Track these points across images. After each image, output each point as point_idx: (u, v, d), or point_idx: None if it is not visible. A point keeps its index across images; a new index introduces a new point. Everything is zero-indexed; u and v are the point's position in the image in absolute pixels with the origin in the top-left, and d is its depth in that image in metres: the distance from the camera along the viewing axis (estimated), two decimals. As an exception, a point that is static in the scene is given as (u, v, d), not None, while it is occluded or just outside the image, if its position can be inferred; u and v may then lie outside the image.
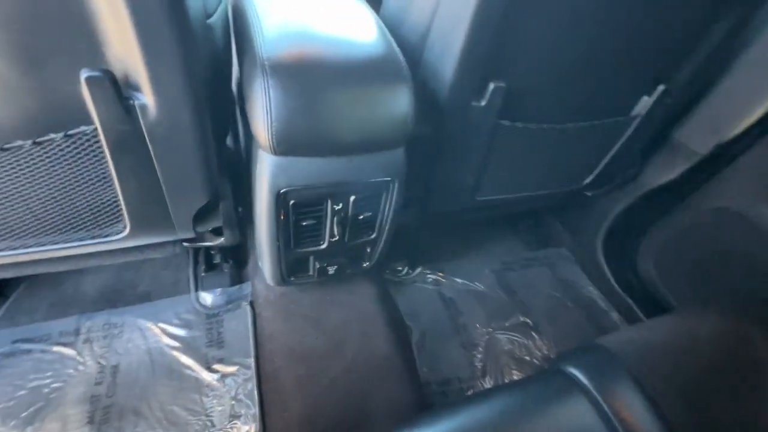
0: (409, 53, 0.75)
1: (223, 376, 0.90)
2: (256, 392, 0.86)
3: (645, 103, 0.88)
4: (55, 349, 0.90)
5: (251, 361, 0.91)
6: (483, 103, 0.73)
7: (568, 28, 0.67)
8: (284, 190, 0.63)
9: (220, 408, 0.86)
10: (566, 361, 0.59)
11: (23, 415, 0.80)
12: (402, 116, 0.62)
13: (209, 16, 0.60)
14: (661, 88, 0.84)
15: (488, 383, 1.01)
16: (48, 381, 0.85)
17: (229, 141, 0.81)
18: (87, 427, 0.80)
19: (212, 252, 1.09)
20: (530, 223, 1.43)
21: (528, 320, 1.16)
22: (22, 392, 0.83)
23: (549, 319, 1.18)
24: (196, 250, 1.10)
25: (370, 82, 0.60)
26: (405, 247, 1.23)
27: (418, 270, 1.22)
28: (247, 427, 0.83)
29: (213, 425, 0.83)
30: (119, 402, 0.84)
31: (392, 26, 0.81)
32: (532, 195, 1.04)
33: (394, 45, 0.66)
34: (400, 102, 0.62)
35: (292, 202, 0.66)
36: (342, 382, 0.84)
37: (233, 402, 0.86)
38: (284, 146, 0.57)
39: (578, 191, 1.15)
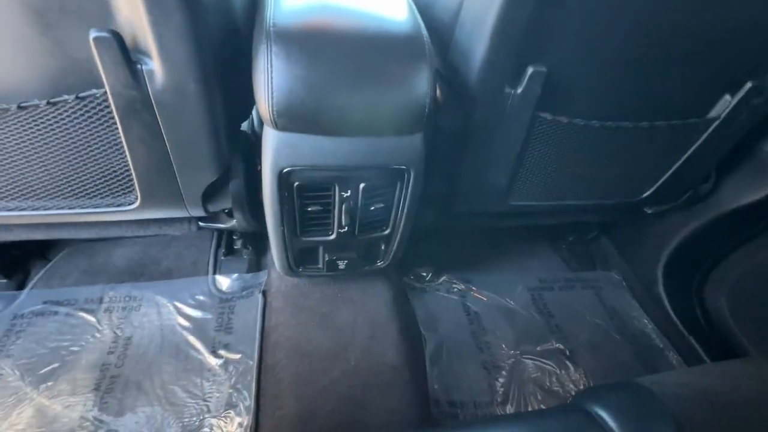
0: (438, 34, 0.69)
1: (227, 362, 0.88)
2: (254, 384, 0.83)
3: (726, 103, 0.74)
4: (79, 314, 0.94)
5: (255, 352, 0.88)
6: (519, 90, 0.64)
7: (627, 6, 0.57)
8: (287, 169, 0.59)
9: (218, 395, 0.84)
10: (592, 397, 0.48)
11: (40, 372, 0.84)
12: (419, 99, 0.56)
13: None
14: (748, 85, 0.70)
15: (508, 412, 0.90)
16: (67, 344, 0.89)
17: (246, 126, 0.80)
18: (92, 393, 0.82)
19: (234, 237, 1.09)
20: (574, 239, 1.28)
21: (563, 347, 1.03)
22: (43, 351, 0.87)
23: (589, 349, 1.03)
24: (220, 234, 1.11)
25: (384, 56, 0.54)
26: (430, 251, 1.15)
27: (443, 278, 1.13)
28: (240, 419, 0.80)
29: (209, 411, 0.81)
30: (125, 374, 0.85)
31: (422, 7, 0.76)
32: (577, 205, 0.91)
33: (420, 22, 0.60)
34: (418, 82, 0.56)
35: (296, 183, 0.62)
36: (341, 386, 0.78)
37: (231, 390, 0.84)
38: (285, 119, 0.53)
39: (635, 206, 1.00)
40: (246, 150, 0.73)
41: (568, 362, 1.00)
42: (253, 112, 0.87)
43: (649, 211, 1.04)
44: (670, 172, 0.87)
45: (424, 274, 1.14)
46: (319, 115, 0.53)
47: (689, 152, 0.83)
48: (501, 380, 0.94)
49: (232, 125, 0.67)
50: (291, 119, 0.53)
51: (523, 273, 1.20)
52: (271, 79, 0.50)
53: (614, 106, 0.71)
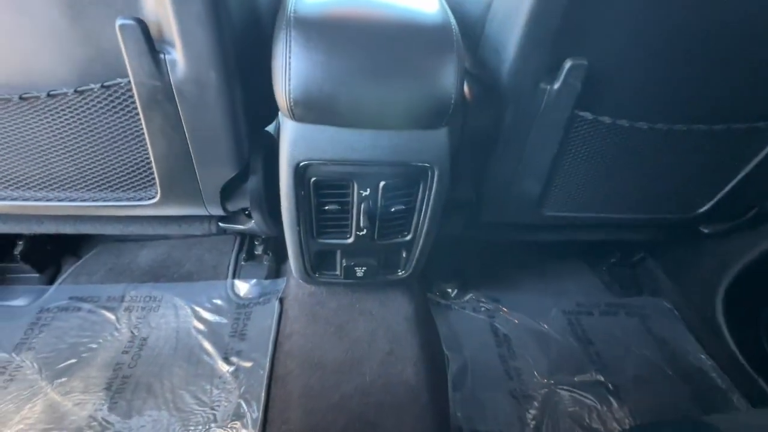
0: (469, 30, 0.66)
1: (238, 369, 0.85)
2: (263, 395, 0.79)
3: (799, 105, 0.65)
4: (101, 311, 0.95)
5: (266, 361, 0.84)
6: (556, 85, 0.59)
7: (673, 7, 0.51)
8: (304, 162, 0.56)
9: (226, 404, 0.80)
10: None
11: (57, 367, 0.84)
12: (445, 91, 0.52)
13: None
14: (828, 82, 0.61)
15: (540, 449, 0.80)
16: (86, 340, 0.89)
17: (272, 128, 0.79)
18: (103, 392, 0.80)
19: (255, 242, 1.08)
20: (617, 260, 1.16)
21: (605, 380, 0.91)
22: (63, 346, 0.87)
23: (636, 384, 0.91)
24: (242, 239, 1.10)
25: (409, 45, 0.51)
26: (456, 266, 1.09)
27: (470, 295, 1.06)
28: (245, 431, 0.75)
29: (215, 420, 0.77)
30: (137, 375, 0.83)
31: (455, 5, 0.73)
32: (620, 219, 0.83)
33: (449, 13, 0.57)
34: (444, 73, 0.52)
35: (313, 179, 0.59)
36: (354, 403, 0.72)
37: (240, 400, 0.80)
38: (302, 108, 0.51)
39: (688, 224, 0.89)
40: (268, 149, 0.72)
41: (611, 397, 0.88)
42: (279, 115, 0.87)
43: (706, 231, 0.92)
44: (731, 184, 0.77)
45: (450, 290, 1.07)
46: (337, 105, 0.51)
47: (754, 162, 0.73)
48: (532, 412, 0.85)
49: (253, 123, 0.66)
50: (308, 108, 0.51)
51: (558, 295, 1.10)
52: (288, 65, 0.48)
53: (665, 106, 0.64)
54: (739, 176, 0.76)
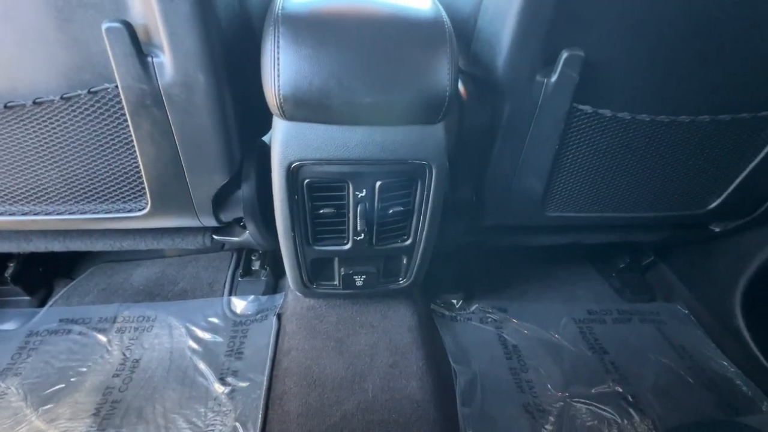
0: (461, 25, 0.65)
1: (234, 390, 0.80)
2: (260, 417, 0.74)
3: (804, 93, 0.63)
4: (92, 333, 0.91)
5: (264, 380, 0.80)
6: (553, 78, 0.57)
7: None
8: (296, 163, 0.54)
9: (221, 427, 0.75)
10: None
11: (44, 393, 0.80)
12: (439, 83, 0.51)
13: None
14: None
15: (559, 468, 0.74)
16: (75, 364, 0.85)
17: (267, 137, 0.77)
18: (91, 419, 0.76)
19: (252, 258, 1.05)
20: (627, 265, 1.12)
21: (623, 391, 0.86)
22: (51, 371, 0.83)
23: (657, 394, 0.86)
24: (238, 255, 1.07)
25: (400, 39, 0.50)
26: (460, 275, 1.05)
27: (476, 305, 1.02)
28: (241, 457, 0.70)
29: (209, 446, 0.72)
30: (128, 399, 0.79)
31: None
32: (627, 218, 0.80)
33: (440, 8, 0.56)
34: (437, 65, 0.51)
35: (306, 181, 0.57)
36: (356, 422, 0.67)
37: (236, 423, 0.75)
38: (292, 105, 0.49)
39: (699, 222, 0.86)
40: (261, 156, 0.70)
41: (631, 410, 0.83)
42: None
43: (717, 229, 0.89)
44: (741, 178, 0.75)
45: (454, 300, 1.02)
46: (328, 101, 0.49)
47: (762, 154, 0.71)
48: (548, 427, 0.79)
49: (246, 131, 0.65)
50: (298, 105, 0.49)
51: (567, 302, 1.05)
52: (277, 61, 0.47)
53: (668, 97, 0.62)
54: (748, 169, 0.73)
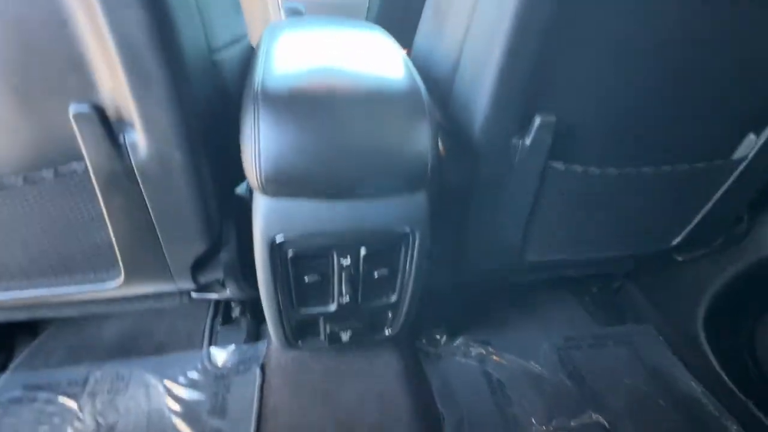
0: (438, 86, 0.67)
1: (218, 454, 0.78)
2: (248, 482, 0.72)
3: (751, 143, 0.69)
4: (60, 399, 0.85)
5: (250, 441, 0.78)
6: (528, 141, 0.59)
7: (637, 46, 0.53)
8: (280, 239, 0.54)
9: (206, 496, 0.72)
10: None
11: (8, 474, 0.74)
12: (420, 154, 0.52)
13: (215, 51, 0.57)
14: (774, 124, 0.65)
15: (547, 507, 0.76)
16: (42, 436, 0.79)
17: (242, 189, 0.76)
18: (64, 499, 0.71)
19: (232, 305, 1.02)
20: (599, 289, 1.18)
21: (603, 420, 0.89)
22: (16, 446, 0.78)
23: (633, 420, 0.90)
24: (217, 303, 1.04)
25: (380, 112, 0.51)
26: (443, 311, 1.06)
27: (459, 340, 1.03)
28: None
29: None
30: (103, 472, 0.75)
31: (422, 62, 0.74)
32: (600, 255, 0.84)
33: (416, 77, 0.57)
34: (417, 136, 0.52)
35: (290, 253, 0.56)
36: (347, 483, 0.67)
37: (222, 490, 0.72)
38: (274, 183, 0.48)
39: (664, 254, 0.91)
40: (240, 214, 0.69)
41: (610, 438, 0.86)
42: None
43: (680, 259, 0.95)
44: (699, 216, 0.80)
45: (438, 336, 1.04)
46: (311, 179, 0.49)
47: (718, 195, 0.77)
48: (535, 464, 0.81)
49: (223, 191, 0.63)
50: (280, 183, 0.49)
51: (546, 330, 1.09)
52: (257, 141, 0.46)
53: (632, 151, 0.66)
54: (705, 208, 0.78)
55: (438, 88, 0.65)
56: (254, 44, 0.73)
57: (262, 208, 0.52)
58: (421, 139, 0.52)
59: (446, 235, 0.72)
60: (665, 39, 0.53)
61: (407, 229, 0.57)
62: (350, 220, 0.54)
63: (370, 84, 0.53)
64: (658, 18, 0.51)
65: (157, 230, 0.58)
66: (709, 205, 0.78)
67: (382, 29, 0.78)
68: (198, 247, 0.62)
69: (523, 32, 0.50)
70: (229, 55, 0.62)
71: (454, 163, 0.65)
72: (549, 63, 0.53)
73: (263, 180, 0.48)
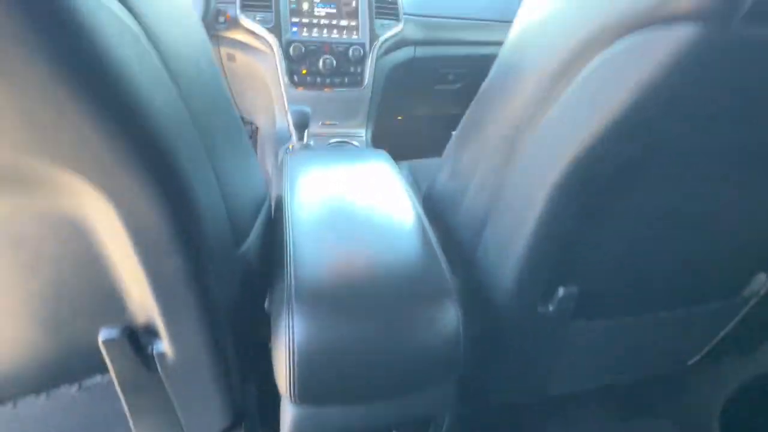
0: (460, 249, 0.68)
1: None
2: None
3: (761, 281, 0.71)
4: None
5: None
6: (551, 308, 0.60)
7: (661, 214, 0.55)
8: (309, 443, 0.52)
9: None
10: None
11: None
12: (450, 349, 0.52)
13: (239, 243, 0.57)
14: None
15: None
16: None
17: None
18: None
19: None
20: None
21: None
22: None
23: None
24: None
25: (411, 308, 0.51)
26: None
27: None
28: None
29: None
30: None
31: (439, 213, 0.75)
32: (621, 377, 0.84)
33: (439, 256, 0.57)
34: (447, 326, 0.52)
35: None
36: None
37: None
38: (307, 392, 0.48)
39: (678, 373, 0.93)
40: (261, 394, 0.67)
41: None
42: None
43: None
44: (714, 342, 0.81)
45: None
46: (346, 385, 0.48)
47: (732, 323, 0.78)
48: None
49: (248, 364, 0.62)
50: (314, 393, 0.48)
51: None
52: (293, 350, 0.45)
53: (650, 301, 0.68)
54: (719, 336, 0.80)
55: (457, 253, 0.66)
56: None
57: (290, 417, 0.51)
58: (451, 334, 0.52)
59: (469, 380, 0.72)
60: (686, 204, 0.55)
61: (436, 412, 0.57)
62: (382, 418, 0.53)
63: (398, 281, 0.52)
64: (681, 190, 0.53)
65: (180, 419, 0.57)
66: (723, 333, 0.79)
67: (388, 157, 0.79)
68: (219, 427, 0.60)
69: (551, 224, 0.51)
70: (253, 239, 0.62)
71: (475, 324, 0.66)
72: (572, 244, 0.55)
73: (296, 389, 0.47)
